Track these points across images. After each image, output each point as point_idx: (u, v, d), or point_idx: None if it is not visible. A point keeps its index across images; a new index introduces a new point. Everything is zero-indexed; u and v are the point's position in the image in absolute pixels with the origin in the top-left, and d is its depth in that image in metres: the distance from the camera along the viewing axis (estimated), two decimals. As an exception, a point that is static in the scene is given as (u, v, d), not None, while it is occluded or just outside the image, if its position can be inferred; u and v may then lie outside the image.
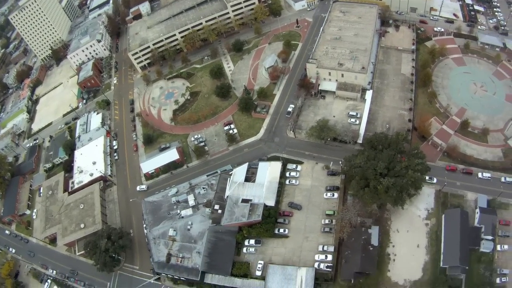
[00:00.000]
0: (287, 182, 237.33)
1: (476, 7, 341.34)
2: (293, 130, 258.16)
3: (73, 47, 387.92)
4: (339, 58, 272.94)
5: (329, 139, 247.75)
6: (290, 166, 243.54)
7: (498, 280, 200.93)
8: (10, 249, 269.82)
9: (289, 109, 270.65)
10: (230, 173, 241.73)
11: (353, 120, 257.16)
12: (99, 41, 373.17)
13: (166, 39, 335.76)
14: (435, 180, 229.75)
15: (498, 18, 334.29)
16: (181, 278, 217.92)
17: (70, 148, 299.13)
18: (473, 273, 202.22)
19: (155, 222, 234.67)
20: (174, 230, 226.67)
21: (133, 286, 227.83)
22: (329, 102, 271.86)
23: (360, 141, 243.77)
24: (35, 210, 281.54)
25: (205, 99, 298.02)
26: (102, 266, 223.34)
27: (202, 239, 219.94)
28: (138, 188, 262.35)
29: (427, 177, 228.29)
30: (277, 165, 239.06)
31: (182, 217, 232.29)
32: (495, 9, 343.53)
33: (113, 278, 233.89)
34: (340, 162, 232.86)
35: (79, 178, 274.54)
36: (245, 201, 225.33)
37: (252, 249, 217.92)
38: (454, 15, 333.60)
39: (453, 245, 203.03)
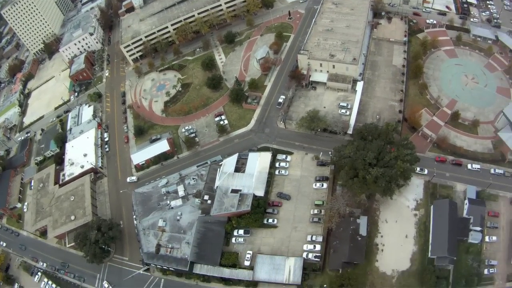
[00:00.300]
0: (276, 172, 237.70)
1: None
2: (283, 121, 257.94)
3: (66, 40, 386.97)
4: (331, 49, 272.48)
5: (319, 129, 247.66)
6: (280, 156, 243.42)
7: (486, 271, 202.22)
8: (1, 242, 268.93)
9: (280, 100, 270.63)
10: (220, 163, 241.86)
11: (343, 111, 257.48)
12: (91, 34, 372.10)
13: (158, 31, 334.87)
14: (426, 172, 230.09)
15: (491, 10, 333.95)
16: (170, 268, 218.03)
17: (62, 141, 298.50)
18: (461, 263, 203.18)
19: (145, 213, 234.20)
20: (163, 221, 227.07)
21: (123, 277, 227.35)
22: (320, 93, 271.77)
23: (350, 131, 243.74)
24: (26, 203, 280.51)
25: (196, 91, 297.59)
26: (92, 257, 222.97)
27: (191, 229, 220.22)
28: (128, 179, 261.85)
29: (418, 168, 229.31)
30: (267, 156, 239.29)
31: (172, 207, 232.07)
32: (488, 1, 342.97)
33: (102, 269, 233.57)
34: (330, 153, 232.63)
35: (70, 171, 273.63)
36: (234, 191, 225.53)
37: (241, 239, 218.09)
38: (447, 7, 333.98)
39: (441, 236, 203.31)
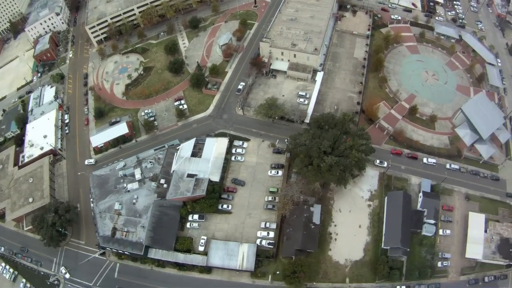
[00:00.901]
0: (233, 158, 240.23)
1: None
2: (242, 108, 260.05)
3: (32, 20, 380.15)
4: (293, 38, 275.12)
5: (276, 117, 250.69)
6: (236, 142, 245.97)
7: (439, 264, 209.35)
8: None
9: (240, 87, 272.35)
10: (177, 148, 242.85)
11: (302, 100, 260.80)
12: (57, 14, 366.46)
13: (124, 13, 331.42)
14: (385, 164, 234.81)
15: (457, 11, 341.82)
16: (126, 252, 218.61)
17: (23, 122, 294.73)
18: (414, 255, 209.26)
19: (102, 196, 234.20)
20: (120, 204, 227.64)
21: (79, 261, 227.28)
22: (279, 81, 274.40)
23: (307, 120, 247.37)
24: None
25: (158, 75, 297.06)
26: (48, 240, 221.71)
27: (147, 213, 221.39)
28: (86, 162, 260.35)
29: (378, 161, 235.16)
30: (224, 141, 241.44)
31: (128, 191, 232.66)
32: (454, 2, 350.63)
33: (59, 253, 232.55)
34: (286, 141, 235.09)
35: (30, 152, 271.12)
36: (190, 176, 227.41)
37: (195, 224, 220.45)
38: (413, 4, 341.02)
39: (394, 227, 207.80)
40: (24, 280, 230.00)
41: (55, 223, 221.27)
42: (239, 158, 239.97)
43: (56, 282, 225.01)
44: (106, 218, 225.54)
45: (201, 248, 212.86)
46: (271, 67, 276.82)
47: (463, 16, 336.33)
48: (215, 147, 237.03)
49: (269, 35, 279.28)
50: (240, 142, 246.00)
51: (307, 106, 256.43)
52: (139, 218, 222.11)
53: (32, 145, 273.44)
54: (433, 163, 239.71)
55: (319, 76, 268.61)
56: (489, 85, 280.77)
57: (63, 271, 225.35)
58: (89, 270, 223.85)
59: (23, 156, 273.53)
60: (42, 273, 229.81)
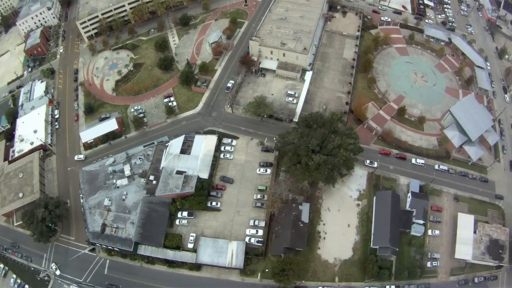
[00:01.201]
0: (221, 156, 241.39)
1: (426, 1, 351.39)
2: (231, 106, 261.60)
3: (23, 13, 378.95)
4: (283, 38, 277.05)
5: (265, 116, 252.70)
6: (225, 140, 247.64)
7: (429, 264, 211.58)
8: None
9: (229, 85, 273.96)
10: (167, 144, 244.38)
11: (290, 99, 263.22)
12: (49, 8, 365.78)
13: (115, 9, 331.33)
14: (375, 165, 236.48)
15: (447, 14, 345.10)
16: (115, 248, 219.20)
17: (13, 117, 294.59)
18: (403, 255, 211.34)
19: (92, 192, 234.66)
20: (109, 200, 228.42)
21: (69, 257, 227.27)
22: (268, 80, 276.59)
23: (296, 119, 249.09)
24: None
25: (147, 71, 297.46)
26: (38, 236, 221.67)
27: (136, 209, 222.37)
28: (76, 157, 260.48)
29: (368, 161, 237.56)
30: (213, 139, 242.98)
31: (118, 187, 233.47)
32: (445, 5, 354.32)
33: (49, 249, 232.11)
34: (275, 139, 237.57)
35: (20, 147, 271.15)
36: (179, 172, 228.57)
37: (184, 221, 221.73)
38: (403, 6, 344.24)
39: (383, 226, 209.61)
40: (14, 276, 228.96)
41: (45, 218, 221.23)
42: (228, 155, 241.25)
43: (46, 278, 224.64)
44: (95, 214, 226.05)
45: (190, 245, 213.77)
46: (260, 65, 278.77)
47: (453, 20, 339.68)
48: (204, 144, 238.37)
49: (258, 33, 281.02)
50: (229, 140, 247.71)
51: (296, 105, 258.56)
52: (128, 214, 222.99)
53: (22, 140, 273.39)
54: (422, 163, 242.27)
55: (308, 75, 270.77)
56: (478, 88, 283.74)
57: (54, 267, 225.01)
58: (79, 266, 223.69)
59: (13, 151, 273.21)
60: (32, 268, 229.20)
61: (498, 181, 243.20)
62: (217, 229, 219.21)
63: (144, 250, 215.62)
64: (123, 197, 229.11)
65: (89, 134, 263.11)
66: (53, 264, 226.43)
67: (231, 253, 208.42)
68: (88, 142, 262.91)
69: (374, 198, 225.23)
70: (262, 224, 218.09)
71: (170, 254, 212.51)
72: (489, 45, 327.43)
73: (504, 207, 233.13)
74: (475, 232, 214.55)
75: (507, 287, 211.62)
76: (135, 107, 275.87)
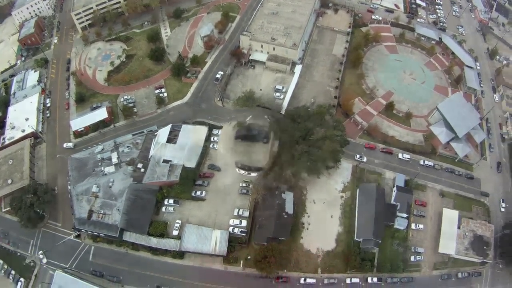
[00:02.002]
0: (211, 146, 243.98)
1: (418, 1, 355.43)
2: (221, 99, 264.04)
3: (19, 3, 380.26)
4: (273, 33, 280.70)
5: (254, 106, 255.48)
6: (215, 131, 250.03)
7: (412, 258, 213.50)
8: None
9: (218, 76, 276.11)
10: (156, 133, 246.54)
11: (278, 94, 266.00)
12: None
13: (109, 1, 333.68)
14: (365, 159, 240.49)
15: (439, 14, 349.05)
16: (101, 235, 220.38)
17: (5, 105, 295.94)
18: (386, 248, 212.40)
19: (80, 179, 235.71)
20: (97, 187, 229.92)
21: (56, 243, 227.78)
22: (258, 73, 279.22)
23: (283, 112, 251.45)
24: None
25: (138, 62, 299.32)
26: (26, 221, 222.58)
27: (122, 196, 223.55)
28: (65, 145, 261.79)
29: (357, 156, 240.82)
30: (203, 129, 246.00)
31: (105, 174, 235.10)
32: (436, 6, 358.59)
33: (36, 235, 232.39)
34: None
35: (11, 134, 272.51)
36: (166, 161, 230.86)
37: (171, 209, 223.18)
38: (395, 5, 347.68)
39: (367, 219, 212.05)
40: (1, 261, 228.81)
41: (33, 204, 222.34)
42: (215, 146, 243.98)
43: (32, 263, 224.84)
44: (83, 201, 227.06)
45: (175, 232, 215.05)
46: (251, 57, 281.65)
47: (444, 20, 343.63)
48: (193, 134, 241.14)
49: (250, 28, 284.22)
50: (217, 131, 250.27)
51: (283, 100, 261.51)
52: (114, 201, 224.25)
53: (13, 128, 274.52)
54: (408, 158, 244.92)
55: (298, 68, 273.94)
56: (467, 87, 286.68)
57: (41, 256, 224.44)
58: (65, 252, 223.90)
59: (3, 138, 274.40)
60: (18, 253, 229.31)
61: (484, 178, 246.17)
62: (202, 219, 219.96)
63: (129, 236, 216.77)
64: (110, 184, 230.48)
65: (79, 122, 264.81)
66: (40, 252, 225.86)
67: (215, 240, 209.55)
68: (79, 130, 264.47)
69: (357, 190, 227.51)
70: (246, 214, 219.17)
71: (154, 242, 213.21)
72: (480, 46, 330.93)
73: (490, 204, 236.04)
74: (459, 227, 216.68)
75: (491, 283, 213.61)
76: (125, 97, 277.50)
